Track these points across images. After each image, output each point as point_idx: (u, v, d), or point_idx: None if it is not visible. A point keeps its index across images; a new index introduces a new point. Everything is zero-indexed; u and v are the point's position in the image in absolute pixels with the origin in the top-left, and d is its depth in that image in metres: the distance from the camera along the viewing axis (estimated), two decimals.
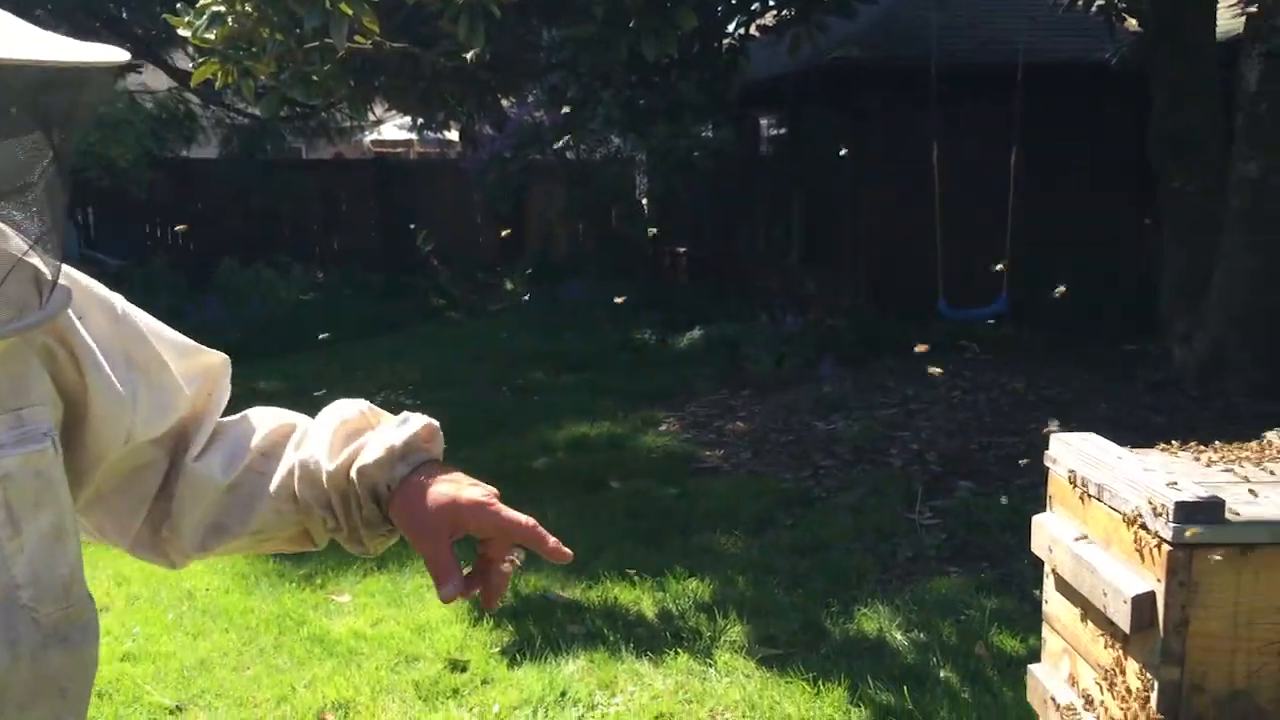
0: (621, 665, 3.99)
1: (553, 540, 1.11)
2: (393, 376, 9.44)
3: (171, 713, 3.75)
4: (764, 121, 13.02)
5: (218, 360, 1.22)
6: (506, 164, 12.53)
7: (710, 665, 3.98)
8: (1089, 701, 1.75)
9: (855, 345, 9.19)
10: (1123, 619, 1.58)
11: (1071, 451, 1.83)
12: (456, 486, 1.12)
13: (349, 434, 1.14)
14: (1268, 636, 1.54)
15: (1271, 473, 1.78)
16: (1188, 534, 1.51)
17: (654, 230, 13.11)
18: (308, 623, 4.41)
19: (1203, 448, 1.88)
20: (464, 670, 4.00)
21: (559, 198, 14.96)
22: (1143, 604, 1.55)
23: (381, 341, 11.35)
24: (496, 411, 8.17)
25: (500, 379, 9.37)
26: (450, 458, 4.76)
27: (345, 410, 1.15)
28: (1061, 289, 3.50)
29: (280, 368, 10.17)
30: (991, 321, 8.79)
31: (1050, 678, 1.89)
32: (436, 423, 1.15)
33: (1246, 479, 1.73)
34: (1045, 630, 1.94)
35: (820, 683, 3.78)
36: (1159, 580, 1.55)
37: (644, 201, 16.54)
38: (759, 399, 8.21)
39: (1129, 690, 1.62)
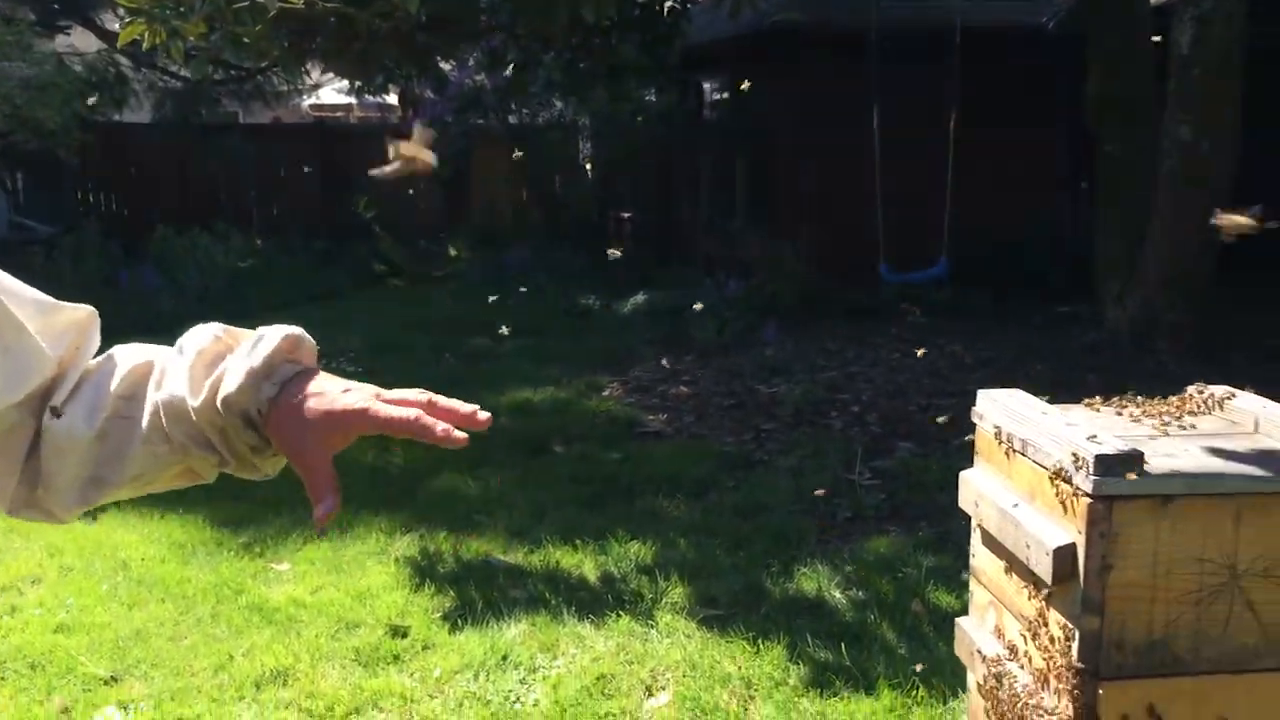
0: (563, 628, 4.00)
1: (441, 428, 1.02)
2: (334, 344, 9.33)
3: (106, 683, 3.70)
4: (706, 86, 12.99)
5: (84, 314, 1.15)
6: (447, 128, 12.39)
7: (652, 626, 4.01)
8: (1013, 652, 1.78)
9: (798, 309, 9.24)
10: (1045, 570, 1.60)
11: (997, 408, 1.85)
12: (330, 397, 1.04)
13: (208, 363, 1.08)
14: (1185, 586, 1.57)
15: (1192, 426, 1.81)
16: (1106, 486, 1.53)
17: (603, 194, 13.09)
18: (246, 591, 4.37)
19: (1125, 402, 1.91)
20: (405, 636, 3.99)
21: (502, 163, 14.84)
22: (1064, 555, 1.58)
23: (322, 309, 11.21)
24: (439, 378, 8.11)
25: (443, 346, 9.31)
26: None
27: (200, 338, 1.09)
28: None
29: None
30: (941, 285, 8.89)
31: (977, 630, 1.92)
32: (298, 330, 1.08)
33: (1166, 432, 1.76)
34: (972, 584, 1.96)
35: (760, 642, 3.81)
36: (1079, 532, 1.57)
37: (588, 167, 16.47)
38: (702, 363, 8.24)
39: (1051, 640, 1.65)
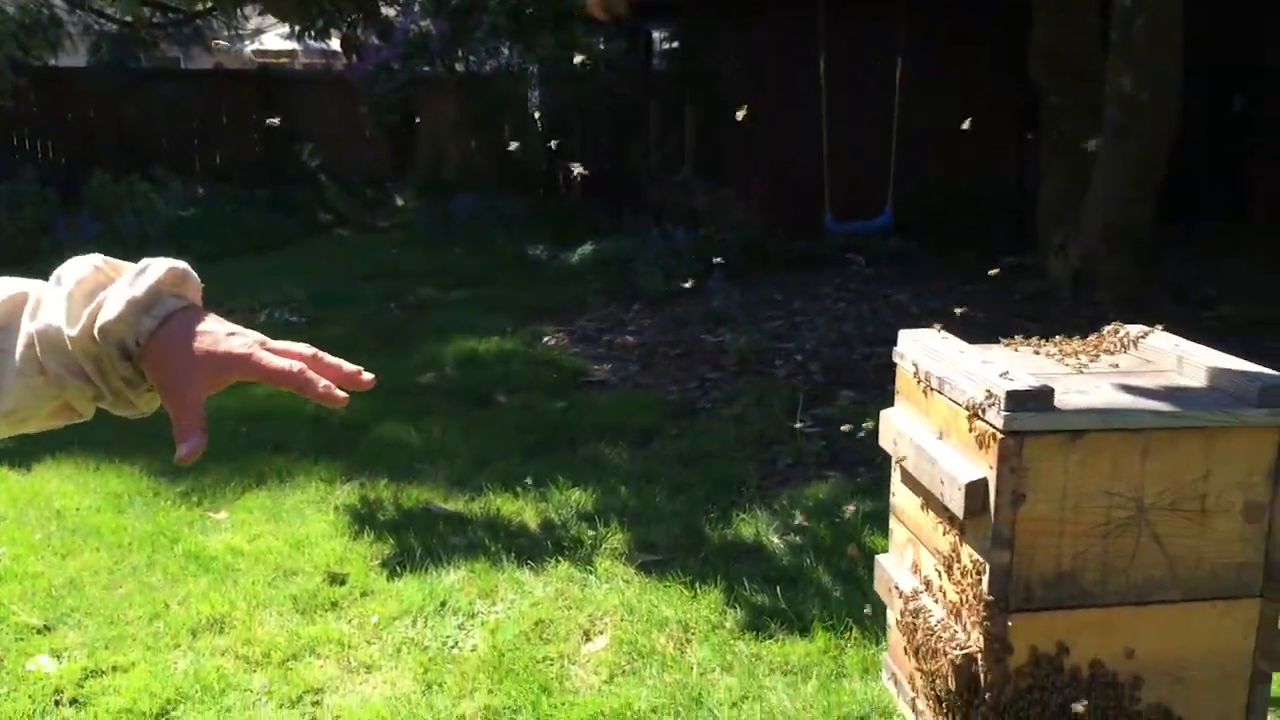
0: (502, 574, 4.00)
1: (322, 385, 1.01)
2: (278, 294, 9.23)
3: (39, 632, 3.66)
4: (656, 35, 12.88)
5: None
6: (393, 75, 12.20)
7: (590, 572, 4.02)
8: (929, 587, 1.80)
9: (745, 259, 9.24)
10: (957, 505, 1.62)
11: (917, 347, 1.86)
12: (214, 338, 1.02)
13: (86, 293, 1.04)
14: (1093, 520, 1.60)
15: (1109, 364, 1.83)
16: (1017, 422, 1.54)
17: (553, 143, 12.95)
18: (182, 540, 4.33)
19: (1043, 342, 1.93)
20: (343, 583, 3.98)
21: (449, 111, 14.65)
22: (975, 490, 1.60)
23: (266, 258, 11.07)
24: (385, 328, 8.05)
25: (389, 295, 9.23)
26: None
27: (79, 269, 1.05)
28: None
29: None
30: (887, 235, 8.93)
31: (896, 567, 1.95)
32: (184, 264, 1.05)
33: (1081, 370, 1.78)
34: (892, 521, 1.99)
35: (697, 586, 3.84)
36: (991, 467, 1.59)
37: (537, 116, 16.30)
38: (649, 313, 8.23)
39: (964, 574, 1.68)
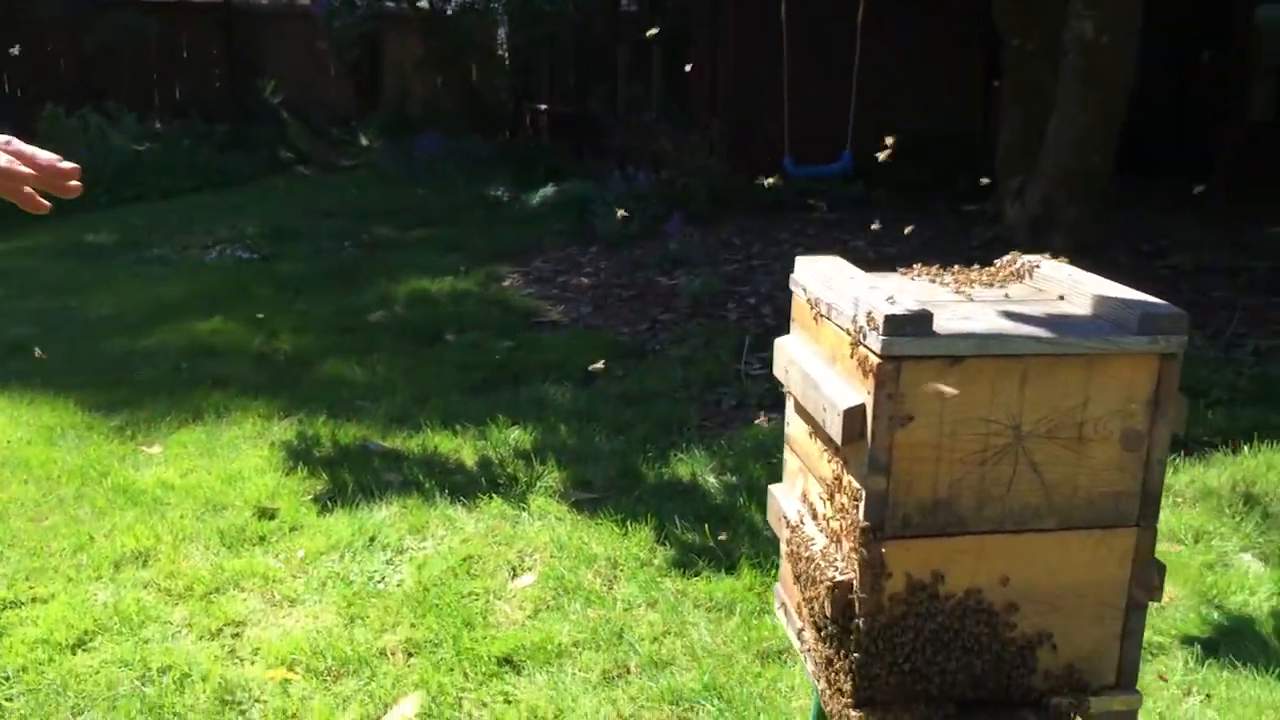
0: (434, 511, 3.98)
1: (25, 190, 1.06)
2: (231, 231, 9.13)
3: None
4: None
5: None
6: (354, 10, 11.99)
7: (524, 510, 4.01)
8: (814, 514, 1.79)
9: (706, 203, 9.18)
10: (836, 431, 1.60)
11: (811, 273, 1.83)
12: None
13: None
14: (970, 447, 1.58)
15: (1003, 293, 1.81)
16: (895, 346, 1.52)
17: (518, 85, 12.80)
18: (112, 473, 4.29)
19: (942, 270, 1.90)
20: (273, 518, 3.95)
21: (414, 49, 14.44)
22: (853, 416, 1.57)
23: (223, 195, 10.93)
24: (338, 267, 7.98)
25: (346, 234, 9.13)
26: (285, 310, 4.67)
27: None
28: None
29: (113, 220, 9.74)
30: (848, 180, 8.86)
31: (786, 496, 1.93)
32: None
33: (971, 297, 1.76)
34: (786, 451, 1.96)
35: (629, 524, 3.83)
36: (869, 393, 1.56)
37: (504, 55, 16.08)
38: (606, 255, 8.18)
39: (845, 501, 1.66)
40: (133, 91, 14.12)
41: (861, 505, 1.59)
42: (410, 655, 3.15)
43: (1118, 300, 1.63)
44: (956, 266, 1.91)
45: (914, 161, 9.48)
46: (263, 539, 3.82)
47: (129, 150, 10.95)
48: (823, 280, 1.77)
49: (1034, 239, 7.30)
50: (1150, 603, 1.69)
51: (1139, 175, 9.05)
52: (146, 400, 5.13)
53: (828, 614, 1.65)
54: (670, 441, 4.59)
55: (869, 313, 1.56)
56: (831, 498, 1.71)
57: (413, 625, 3.28)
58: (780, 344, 1.90)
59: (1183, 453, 4.29)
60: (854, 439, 1.58)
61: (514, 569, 3.64)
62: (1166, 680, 2.89)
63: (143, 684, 3.00)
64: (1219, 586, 3.39)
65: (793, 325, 1.90)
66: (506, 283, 7.56)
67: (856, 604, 1.62)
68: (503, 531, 3.86)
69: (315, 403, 5.07)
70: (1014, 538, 1.62)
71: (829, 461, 1.72)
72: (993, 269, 1.91)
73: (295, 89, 15.84)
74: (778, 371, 1.90)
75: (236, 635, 3.27)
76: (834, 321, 1.69)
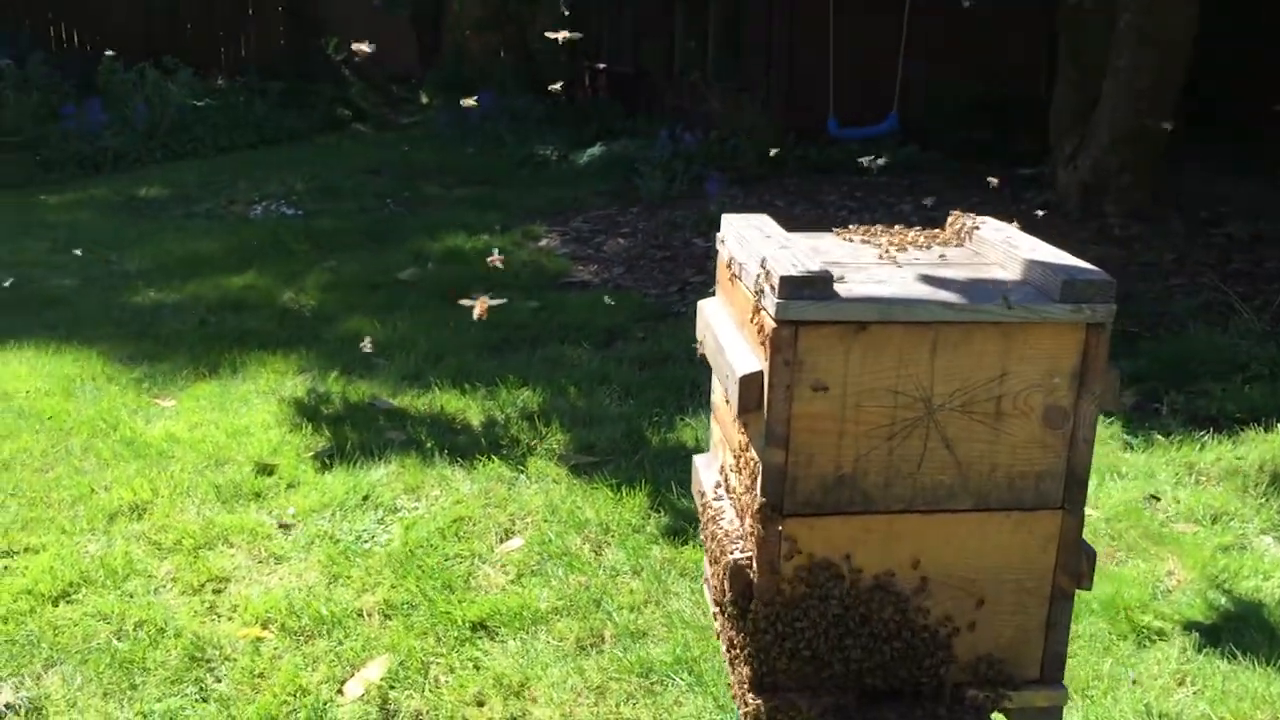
0: (431, 471, 3.94)
1: None
2: (280, 187, 9.17)
3: None
4: None
5: None
6: None
7: (521, 472, 3.95)
8: (727, 488, 1.69)
9: (754, 164, 9.01)
10: (734, 400, 1.50)
11: (732, 231, 1.73)
12: None
13: None
14: (876, 420, 1.47)
15: (939, 256, 1.69)
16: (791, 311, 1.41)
17: (571, 37, 12.66)
18: (121, 426, 4.31)
19: (879, 230, 1.78)
20: (271, 474, 3.94)
21: (474, 8, 14.38)
22: (750, 384, 1.47)
23: (277, 152, 10.99)
24: (377, 223, 7.97)
25: (390, 192, 9.13)
26: (318, 266, 4.62)
27: None
28: None
29: (167, 175, 9.84)
30: (900, 142, 8.64)
31: (707, 467, 1.84)
32: None
33: (896, 260, 1.64)
34: (711, 420, 1.87)
35: (624, 489, 3.76)
36: (766, 360, 1.46)
37: (566, 13, 15.94)
38: (646, 216, 8.07)
39: (747, 477, 1.56)
40: (197, 49, 14.24)
41: (758, 480, 1.50)
42: (386, 617, 3.12)
43: (1047, 265, 1.50)
44: (898, 227, 1.80)
45: (969, 123, 9.24)
46: (258, 495, 3.80)
47: (187, 106, 11.04)
48: (739, 239, 1.66)
49: (1086, 205, 7.06)
50: (1080, 591, 1.58)
51: (1201, 137, 8.70)
52: (168, 353, 5.16)
53: (727, 594, 1.56)
54: (679, 406, 4.50)
55: (767, 273, 1.45)
56: (739, 471, 1.62)
57: (393, 587, 3.24)
58: (701, 305, 1.80)
59: (1211, 430, 4.10)
60: (751, 408, 1.48)
61: (505, 532, 3.59)
62: (1137, 684, 2.75)
63: (117, 638, 3.00)
64: (1231, 570, 3.23)
65: (717, 286, 1.80)
66: (543, 242, 7.49)
67: (753, 584, 1.52)
68: (497, 494, 3.81)
69: (332, 359, 5.06)
70: (926, 518, 1.51)
71: (740, 432, 1.62)
72: (934, 231, 1.78)
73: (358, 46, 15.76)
74: (698, 334, 1.81)
75: (219, 591, 3.26)
76: (744, 283, 1.59)
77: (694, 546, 3.43)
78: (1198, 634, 2.93)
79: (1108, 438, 4.10)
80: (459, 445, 4.15)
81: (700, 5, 11.49)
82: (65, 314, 5.86)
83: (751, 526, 1.53)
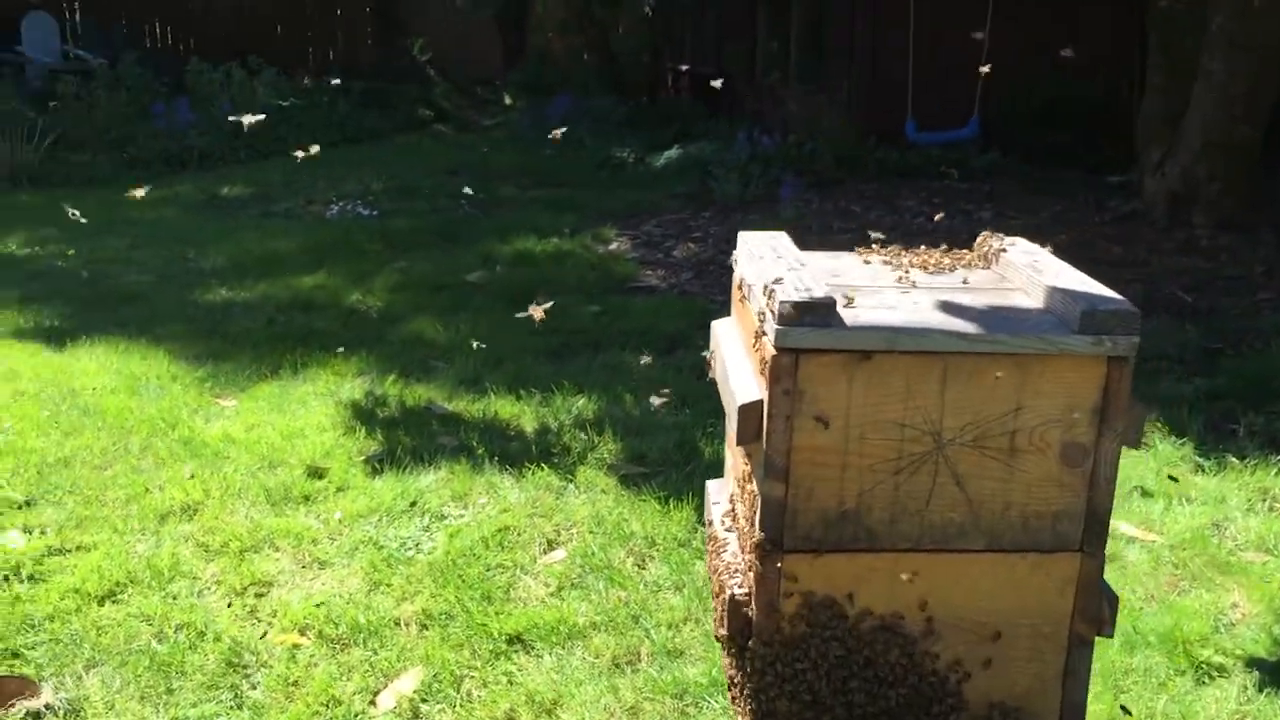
0: (480, 478, 3.92)
1: None
2: (357, 187, 9.27)
3: (19, 507, 3.72)
4: None
5: None
6: None
7: (570, 481, 3.91)
8: (732, 518, 1.62)
9: (832, 168, 8.88)
10: (734, 429, 1.43)
11: (746, 249, 1.66)
12: None
13: None
14: (882, 454, 1.39)
15: (961, 280, 1.60)
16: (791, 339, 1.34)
17: (656, 45, 12.64)
18: (180, 425, 4.36)
19: (904, 251, 1.70)
20: (322, 477, 3.95)
21: (557, 9, 14.42)
22: (749, 414, 1.41)
23: (357, 152, 11.12)
24: (449, 224, 8.01)
25: (465, 193, 9.17)
26: (388, 267, 4.62)
27: None
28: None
29: (249, 174, 10.02)
30: (981, 148, 8.45)
31: (718, 493, 1.77)
32: None
33: (913, 283, 1.56)
34: (726, 446, 1.80)
35: (672, 501, 3.69)
36: (765, 389, 1.39)
37: (649, 13, 15.92)
38: (719, 220, 7.99)
39: (751, 507, 1.49)
40: (286, 49, 14.49)
41: (757, 514, 1.43)
42: (423, 628, 3.10)
43: (1070, 293, 1.41)
44: (924, 247, 1.71)
45: (1054, 128, 9.00)
46: (307, 498, 3.81)
47: (272, 105, 11.22)
48: (751, 257, 1.59)
49: (1173, 215, 6.82)
50: (1102, 637, 1.48)
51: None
52: (234, 352, 5.22)
53: (724, 630, 1.49)
54: None
55: (770, 298, 1.38)
56: (744, 501, 1.55)
57: (432, 596, 3.22)
58: (714, 326, 1.73)
59: None
60: (750, 439, 1.41)
61: (548, 543, 3.55)
62: (1129, 713, 2.60)
63: (158, 640, 3.01)
64: None
65: (732, 305, 1.74)
66: (613, 245, 7.45)
67: (752, 622, 1.45)
68: (544, 503, 3.77)
69: (392, 361, 5.07)
70: (934, 557, 1.43)
71: (743, 462, 1.55)
72: (960, 252, 1.70)
73: (444, 47, 16.02)
74: (710, 354, 1.74)
75: (260, 595, 3.27)
76: (751, 305, 1.52)
77: None
78: (1261, 672, 2.78)
79: (1178, 459, 3.93)
80: (510, 452, 4.13)
81: (784, 7, 11.37)
82: (139, 311, 5.97)
83: (750, 561, 1.46)
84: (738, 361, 1.54)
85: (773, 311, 1.36)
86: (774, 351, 1.35)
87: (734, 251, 1.71)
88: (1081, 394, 1.36)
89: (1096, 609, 1.44)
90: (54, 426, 4.36)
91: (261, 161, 10.49)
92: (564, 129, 3.77)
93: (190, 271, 6.86)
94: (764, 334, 1.39)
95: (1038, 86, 8.74)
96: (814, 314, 1.34)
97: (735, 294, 1.67)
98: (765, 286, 1.41)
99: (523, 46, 16.40)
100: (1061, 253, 5.34)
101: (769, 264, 1.51)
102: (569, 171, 10.13)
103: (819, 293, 1.35)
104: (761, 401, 1.40)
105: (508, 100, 15.88)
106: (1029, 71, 8.58)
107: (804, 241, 5.74)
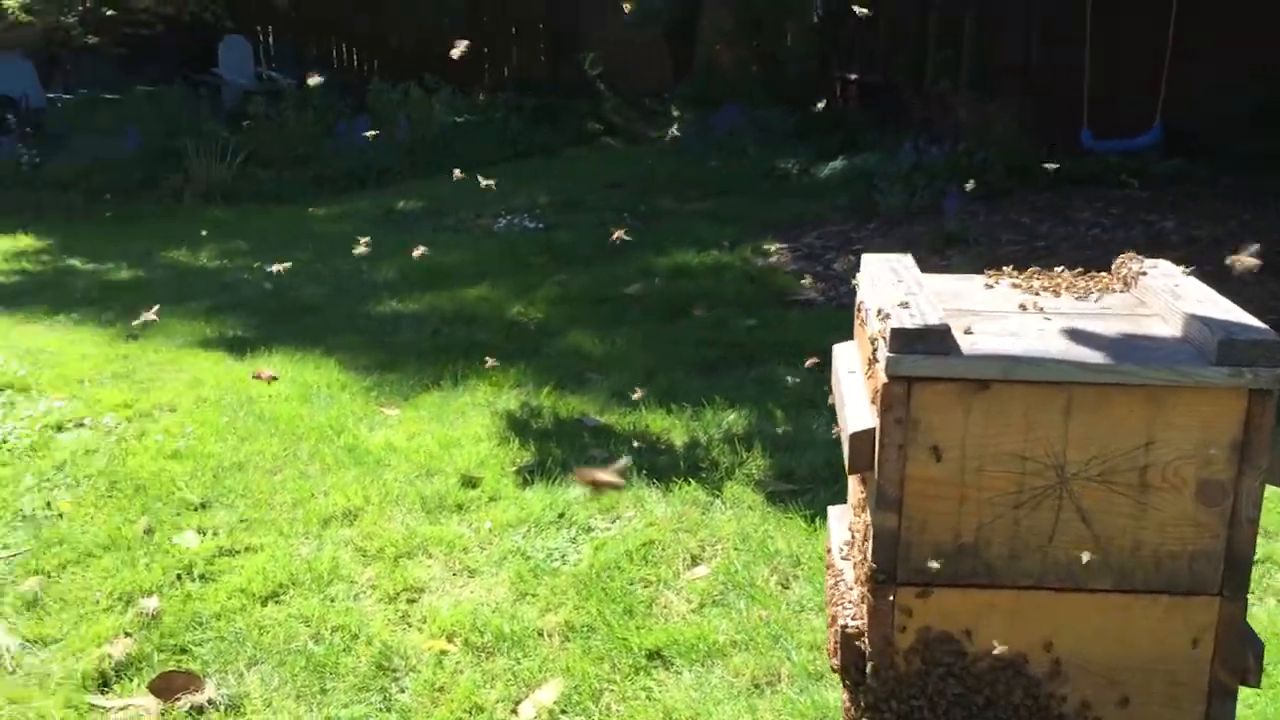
0: (628, 491, 3.94)
1: None
2: (525, 200, 9.47)
3: (195, 509, 3.93)
4: None
5: None
6: None
7: (717, 497, 3.90)
8: (850, 548, 1.59)
9: (1002, 177, 8.62)
10: (847, 457, 1.40)
11: (867, 270, 1.62)
12: None
13: None
14: (1001, 486, 1.34)
15: (1101, 306, 1.52)
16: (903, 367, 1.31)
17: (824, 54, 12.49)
18: (346, 432, 4.53)
19: (1038, 273, 1.63)
20: (475, 487, 4.04)
21: (725, 21, 14.44)
22: (861, 442, 1.37)
23: (527, 167, 11.36)
24: (609, 237, 8.09)
25: (628, 206, 9.26)
26: (550, 280, 4.77)
27: None
28: None
29: (424, 188, 10.35)
30: (1163, 156, 8.07)
31: (839, 521, 1.73)
32: None
33: (1043, 310, 1.49)
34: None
35: (818, 520, 3.64)
36: (878, 417, 1.35)
37: (817, 22, 15.78)
38: (883, 232, 7.85)
39: (865, 537, 1.46)
40: (463, 68, 14.90)
41: (870, 545, 1.39)
42: (566, 639, 3.14)
43: (1209, 321, 1.33)
44: (1059, 269, 1.64)
45: (1248, 135, 8.50)
46: (460, 507, 3.91)
47: (447, 123, 11.58)
48: (871, 279, 1.56)
49: None
50: (1247, 686, 1.38)
51: None
52: (399, 363, 5.40)
53: (838, 663, 1.46)
54: None
55: (883, 323, 1.35)
56: (862, 532, 1.51)
57: (575, 608, 3.26)
58: (835, 350, 1.70)
59: None
60: (861, 468, 1.38)
61: (692, 558, 3.54)
62: None
63: (314, 642, 3.14)
64: None
65: (854, 329, 1.70)
66: (772, 258, 7.41)
67: (865, 655, 1.42)
68: (690, 518, 3.77)
69: (548, 373, 5.15)
70: (1059, 596, 1.37)
71: (859, 490, 1.51)
72: (1098, 275, 1.62)
73: (615, 62, 16.23)
74: (831, 379, 1.71)
75: (412, 601, 3.37)
76: (867, 329, 1.48)
77: None
78: None
79: None
80: (658, 466, 4.14)
81: (958, 9, 11.10)
82: (315, 322, 6.23)
83: (862, 593, 1.42)
84: (853, 388, 1.51)
85: (885, 338, 1.32)
86: (886, 379, 1.32)
87: (858, 274, 1.68)
88: (1219, 428, 1.28)
89: (1239, 656, 1.35)
90: (231, 432, 4.59)
91: (436, 176, 10.81)
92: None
93: (364, 284, 7.13)
94: (877, 360, 1.35)
95: (1228, 88, 8.29)
96: (927, 341, 1.30)
97: (856, 317, 1.64)
98: (880, 311, 1.37)
99: (691, 59, 16.48)
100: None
101: (887, 287, 1.47)
102: (732, 182, 10.11)
103: (933, 319, 1.31)
104: (873, 430, 1.36)
105: (675, 112, 15.95)
106: (1219, 73, 8.14)
107: (969, 256, 5.59)
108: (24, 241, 8.81)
